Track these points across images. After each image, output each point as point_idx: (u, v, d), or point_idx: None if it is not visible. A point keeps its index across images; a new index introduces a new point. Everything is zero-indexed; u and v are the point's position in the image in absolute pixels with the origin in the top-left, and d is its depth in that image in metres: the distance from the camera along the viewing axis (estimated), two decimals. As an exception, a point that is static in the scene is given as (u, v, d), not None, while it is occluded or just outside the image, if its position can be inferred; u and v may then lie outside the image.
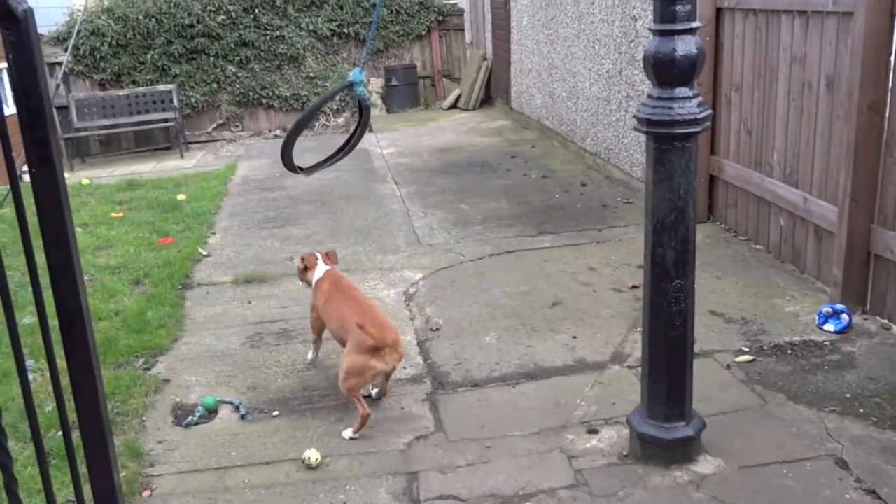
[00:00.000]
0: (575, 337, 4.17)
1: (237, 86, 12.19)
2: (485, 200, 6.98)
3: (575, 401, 3.54)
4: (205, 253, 6.02)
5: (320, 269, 3.93)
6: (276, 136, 12.29)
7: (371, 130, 11.54)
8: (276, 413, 3.62)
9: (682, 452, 3.01)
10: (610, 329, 4.23)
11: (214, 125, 12.38)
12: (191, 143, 11.82)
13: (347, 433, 3.36)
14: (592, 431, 3.28)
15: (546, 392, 3.64)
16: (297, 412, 3.62)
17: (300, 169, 3.61)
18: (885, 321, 4.06)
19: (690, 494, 2.83)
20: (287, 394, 3.80)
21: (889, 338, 3.91)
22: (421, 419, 3.48)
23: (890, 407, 3.29)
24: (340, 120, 12.79)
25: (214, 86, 12.11)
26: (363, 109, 3.73)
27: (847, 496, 2.77)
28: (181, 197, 7.81)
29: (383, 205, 7.14)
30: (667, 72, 2.71)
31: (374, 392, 3.65)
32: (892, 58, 3.87)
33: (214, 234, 6.57)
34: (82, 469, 1.58)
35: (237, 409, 3.66)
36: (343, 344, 3.52)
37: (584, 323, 4.34)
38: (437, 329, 4.40)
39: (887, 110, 3.93)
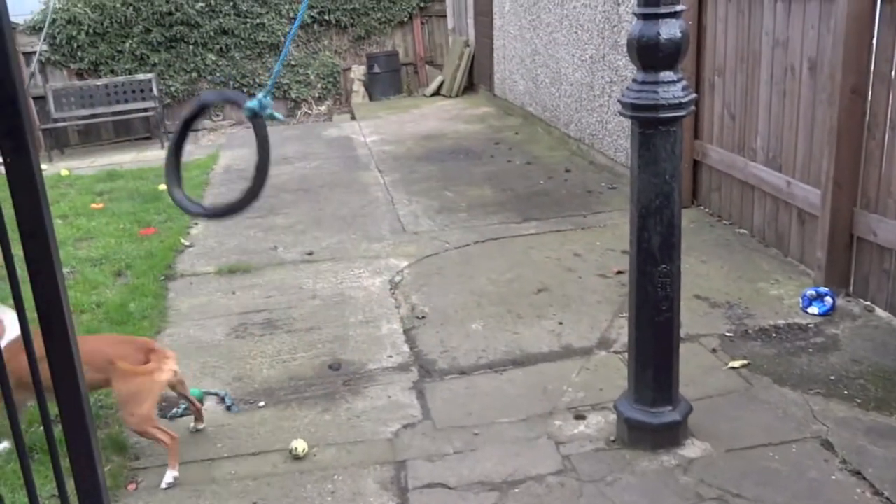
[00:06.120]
0: (561, 323, 4.17)
1: (217, 74, 12.06)
2: (469, 187, 6.95)
3: (562, 387, 3.54)
4: (187, 243, 5.96)
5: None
6: (258, 125, 12.17)
7: (354, 118, 11.46)
8: (262, 404, 3.60)
9: (669, 437, 3.02)
10: (596, 315, 4.23)
11: (195, 114, 12.23)
12: (171, 132, 11.67)
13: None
14: (580, 417, 3.28)
15: (533, 378, 3.64)
16: (284, 402, 3.60)
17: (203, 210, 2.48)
18: (868, 303, 4.09)
19: (678, 478, 2.84)
20: (273, 384, 3.77)
21: (872, 320, 3.94)
22: (408, 407, 3.47)
23: (874, 388, 3.32)
24: (323, 108, 12.69)
25: (194, 74, 11.97)
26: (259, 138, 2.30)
27: (833, 477, 2.79)
28: (162, 187, 7.71)
29: (367, 193, 7.09)
30: (651, 55, 2.70)
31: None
32: (875, 41, 3.88)
33: (197, 224, 6.51)
34: (66, 464, 1.56)
35: (223, 400, 3.63)
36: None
37: (570, 309, 4.33)
38: (423, 317, 4.38)
39: (869, 93, 3.94)
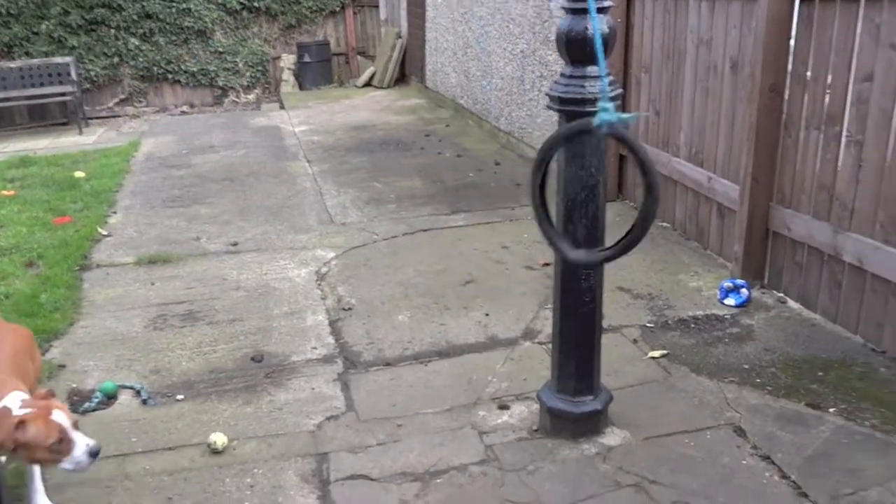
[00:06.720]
0: (487, 314, 4.18)
1: (140, 59, 11.67)
2: (399, 179, 6.91)
3: (487, 377, 3.55)
4: (105, 233, 5.74)
5: None
6: (183, 112, 11.84)
7: (283, 107, 11.25)
8: (180, 397, 3.49)
9: (590, 425, 3.06)
10: (522, 306, 4.26)
11: (116, 100, 11.82)
12: (91, 118, 11.24)
13: None
14: (503, 407, 3.30)
15: (458, 369, 3.64)
16: (203, 395, 3.50)
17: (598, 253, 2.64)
18: (781, 295, 4.24)
19: (597, 466, 2.89)
20: (192, 377, 3.66)
21: (784, 311, 4.09)
22: (332, 399, 3.42)
23: (784, 376, 3.44)
24: (251, 96, 12.42)
25: (116, 59, 11.55)
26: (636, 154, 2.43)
27: (744, 462, 2.88)
28: (79, 174, 7.42)
29: (295, 183, 6.97)
30: (579, 49, 2.71)
31: None
32: (792, 42, 4.01)
33: (115, 213, 6.28)
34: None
35: (138, 393, 3.51)
36: None
37: (497, 300, 4.35)
38: (350, 308, 4.33)
39: (787, 92, 4.08)
